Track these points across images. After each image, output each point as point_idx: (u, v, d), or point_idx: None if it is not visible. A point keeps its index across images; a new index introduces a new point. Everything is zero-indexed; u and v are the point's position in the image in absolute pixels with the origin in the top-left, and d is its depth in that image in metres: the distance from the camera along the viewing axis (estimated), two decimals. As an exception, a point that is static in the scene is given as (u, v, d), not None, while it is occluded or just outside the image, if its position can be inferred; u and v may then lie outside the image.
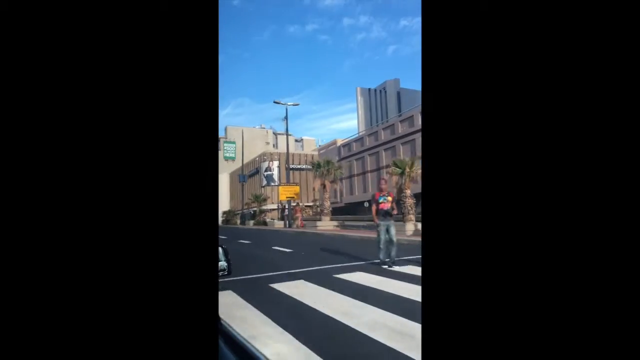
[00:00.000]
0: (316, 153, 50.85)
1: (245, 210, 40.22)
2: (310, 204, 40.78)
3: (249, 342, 0.74)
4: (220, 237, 16.65)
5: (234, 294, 4.26)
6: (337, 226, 19.34)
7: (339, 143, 41.90)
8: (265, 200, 36.50)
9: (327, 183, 20.89)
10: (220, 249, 1.05)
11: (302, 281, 4.99)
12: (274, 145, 70.56)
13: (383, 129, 34.49)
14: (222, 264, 1.05)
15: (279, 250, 9.70)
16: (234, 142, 67.28)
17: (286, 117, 24.52)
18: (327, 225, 19.64)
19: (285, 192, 24.11)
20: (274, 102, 23.83)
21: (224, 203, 57.32)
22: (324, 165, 20.99)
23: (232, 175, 59.90)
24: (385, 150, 33.23)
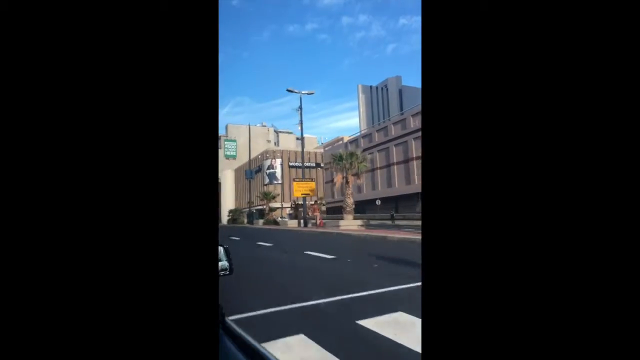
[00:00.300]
0: (318, 151, 49.27)
1: (252, 209, 38.59)
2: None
3: (254, 340, 0.73)
4: (232, 238, 14.98)
5: (314, 344, 2.54)
6: (361, 225, 17.56)
7: (346, 139, 40.24)
8: (274, 197, 34.87)
9: (350, 178, 18.94)
10: (221, 249, 1.05)
11: (400, 313, 3.26)
12: (275, 143, 69.12)
13: (393, 123, 32.77)
14: (224, 263, 1.05)
15: (315, 256, 7.93)
16: (234, 141, 65.73)
17: (300, 107, 22.78)
18: (350, 224, 17.80)
19: (300, 189, 22.22)
20: (287, 90, 22.04)
21: (229, 201, 55.62)
22: (346, 158, 18.84)
23: (237, 171, 58.22)
24: (396, 146, 31.49)
